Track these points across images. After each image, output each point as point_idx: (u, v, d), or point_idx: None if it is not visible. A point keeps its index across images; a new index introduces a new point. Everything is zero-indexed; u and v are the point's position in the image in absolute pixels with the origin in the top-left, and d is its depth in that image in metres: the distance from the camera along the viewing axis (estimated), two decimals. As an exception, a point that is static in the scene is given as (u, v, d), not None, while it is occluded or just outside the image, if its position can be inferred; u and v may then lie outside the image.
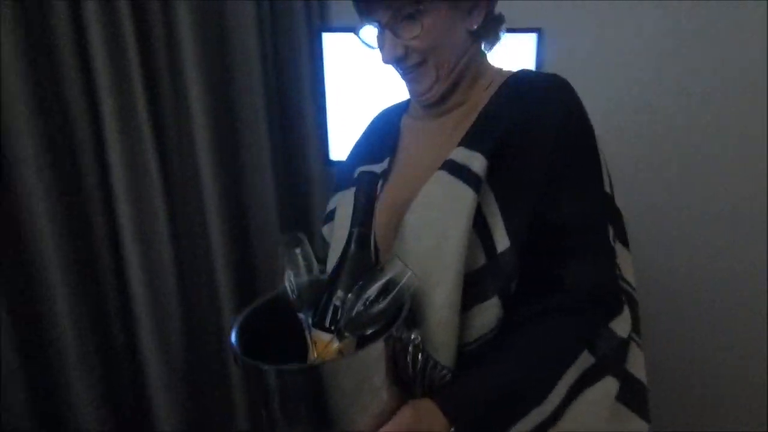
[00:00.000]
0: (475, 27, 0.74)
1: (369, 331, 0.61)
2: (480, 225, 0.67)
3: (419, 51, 0.71)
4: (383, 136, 0.88)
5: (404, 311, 0.62)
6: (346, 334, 0.62)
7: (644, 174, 1.53)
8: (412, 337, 0.61)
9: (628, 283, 0.76)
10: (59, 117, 1.12)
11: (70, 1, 1.08)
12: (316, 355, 0.64)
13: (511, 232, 0.67)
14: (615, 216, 0.74)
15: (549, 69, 1.41)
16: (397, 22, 0.69)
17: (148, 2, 1.17)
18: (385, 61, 0.73)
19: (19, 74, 1.04)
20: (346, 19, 1.46)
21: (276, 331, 0.70)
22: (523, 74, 0.77)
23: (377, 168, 0.84)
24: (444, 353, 0.67)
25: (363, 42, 0.75)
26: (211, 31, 1.25)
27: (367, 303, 0.61)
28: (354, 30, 0.74)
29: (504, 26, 0.78)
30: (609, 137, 1.46)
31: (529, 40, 1.36)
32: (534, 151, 0.68)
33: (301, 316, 0.67)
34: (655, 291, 1.55)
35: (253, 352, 0.62)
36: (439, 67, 0.73)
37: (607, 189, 0.72)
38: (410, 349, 0.60)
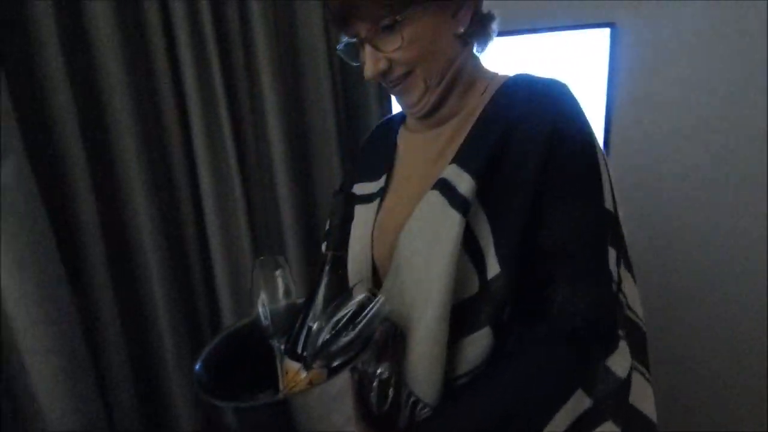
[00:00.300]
0: (462, 30, 0.68)
1: (336, 362, 0.58)
2: (473, 250, 0.62)
3: (403, 63, 0.67)
4: (381, 150, 0.84)
5: (372, 341, 0.58)
6: (314, 364, 0.59)
7: (730, 171, 1.38)
8: (379, 371, 0.56)
9: (635, 313, 0.67)
10: (153, 117, 1.20)
11: (160, 6, 1.15)
12: (285, 385, 0.62)
13: (501, 256, 0.61)
14: (617, 238, 0.66)
15: (625, 67, 1.35)
16: (376, 35, 0.65)
17: (226, 5, 1.23)
18: (369, 76, 0.70)
19: (122, 77, 1.11)
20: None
21: (254, 357, 0.68)
22: (520, 78, 0.71)
23: (374, 186, 0.80)
24: (426, 389, 0.62)
25: (345, 59, 0.72)
26: (282, 32, 1.31)
27: (335, 331, 0.58)
28: (336, 47, 0.72)
29: (495, 23, 0.71)
30: (689, 137, 1.37)
31: (602, 36, 1.27)
32: (526, 163, 0.62)
33: (273, 343, 0.65)
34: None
35: (229, 379, 0.61)
36: (428, 77, 0.68)
37: (609, 207, 0.64)
38: (375, 384, 0.56)
